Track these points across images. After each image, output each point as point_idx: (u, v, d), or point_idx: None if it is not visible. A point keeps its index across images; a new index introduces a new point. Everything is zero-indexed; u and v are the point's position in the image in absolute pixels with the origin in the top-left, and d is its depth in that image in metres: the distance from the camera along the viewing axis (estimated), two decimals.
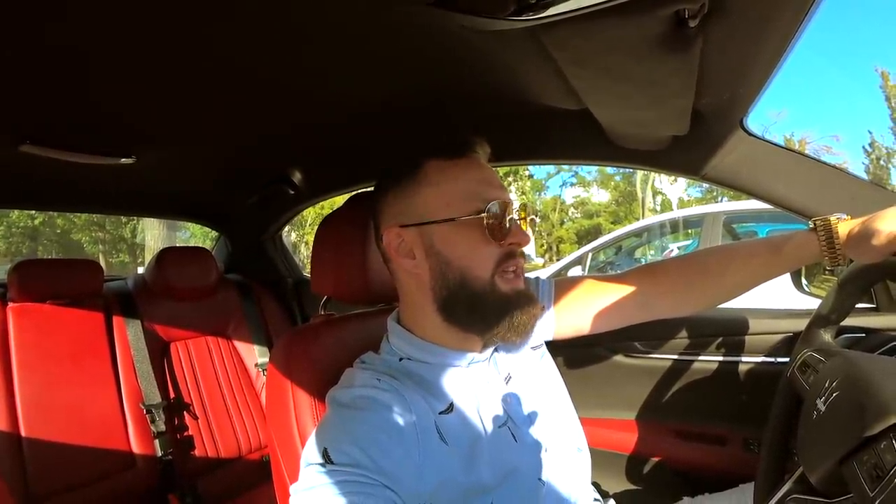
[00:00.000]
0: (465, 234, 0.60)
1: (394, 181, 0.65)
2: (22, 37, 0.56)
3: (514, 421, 0.64)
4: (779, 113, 16.24)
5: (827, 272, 0.85)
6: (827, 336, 0.73)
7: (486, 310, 0.60)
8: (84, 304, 1.41)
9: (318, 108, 0.88)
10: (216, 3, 0.52)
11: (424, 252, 0.61)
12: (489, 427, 0.61)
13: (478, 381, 0.64)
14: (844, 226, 0.62)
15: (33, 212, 12.87)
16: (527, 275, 0.78)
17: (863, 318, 0.88)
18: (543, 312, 0.69)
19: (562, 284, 0.77)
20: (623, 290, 0.73)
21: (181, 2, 0.51)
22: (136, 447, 1.31)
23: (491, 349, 0.67)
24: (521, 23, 0.48)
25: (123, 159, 1.06)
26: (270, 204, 1.55)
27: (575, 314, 0.75)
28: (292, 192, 1.43)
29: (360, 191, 0.83)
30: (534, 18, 0.47)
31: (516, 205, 0.62)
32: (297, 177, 1.38)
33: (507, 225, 0.60)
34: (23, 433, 1.18)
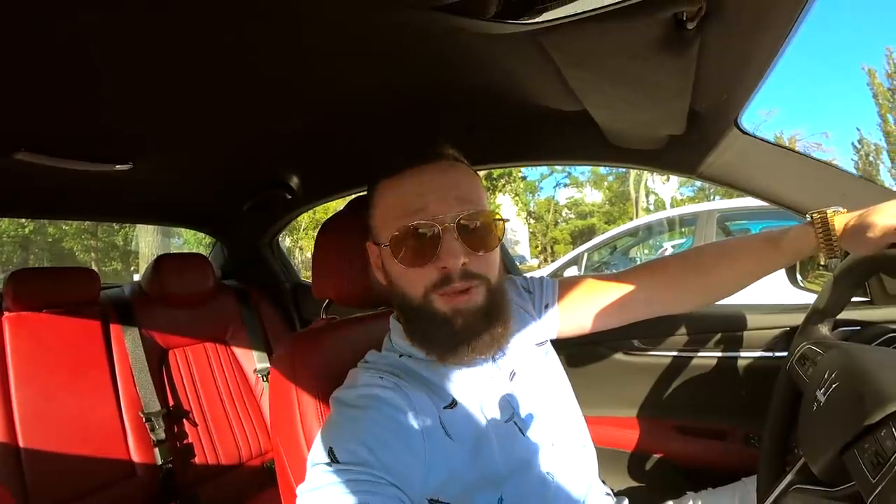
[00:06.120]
0: (395, 255, 0.58)
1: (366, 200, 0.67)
2: (17, 43, 0.56)
3: (519, 416, 0.64)
4: (769, 111, 16.44)
5: (821, 267, 0.86)
6: (824, 329, 0.74)
7: (427, 327, 0.59)
8: (81, 312, 1.40)
9: (314, 112, 0.88)
10: (213, 9, 0.52)
11: (382, 269, 0.65)
12: (495, 422, 0.61)
13: (480, 378, 0.64)
14: (840, 219, 0.63)
15: (24, 220, 12.73)
16: (530, 274, 0.78)
17: (858, 312, 0.89)
18: (510, 328, 0.63)
19: (565, 283, 0.78)
20: (624, 288, 0.74)
21: (178, 8, 0.51)
22: (135, 456, 1.30)
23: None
24: (522, 26, 0.49)
25: (119, 166, 1.05)
26: (267, 209, 1.55)
27: (578, 312, 0.75)
28: (289, 197, 1.43)
29: (359, 194, 0.83)
30: (534, 22, 0.48)
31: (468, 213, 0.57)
32: (293, 181, 1.38)
33: (437, 243, 0.56)
34: (21, 444, 1.16)
